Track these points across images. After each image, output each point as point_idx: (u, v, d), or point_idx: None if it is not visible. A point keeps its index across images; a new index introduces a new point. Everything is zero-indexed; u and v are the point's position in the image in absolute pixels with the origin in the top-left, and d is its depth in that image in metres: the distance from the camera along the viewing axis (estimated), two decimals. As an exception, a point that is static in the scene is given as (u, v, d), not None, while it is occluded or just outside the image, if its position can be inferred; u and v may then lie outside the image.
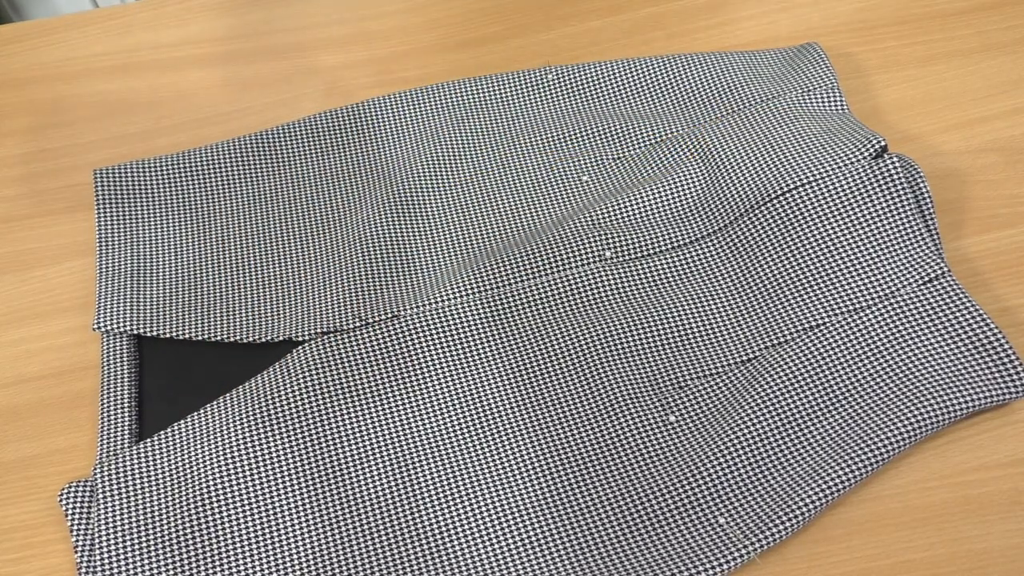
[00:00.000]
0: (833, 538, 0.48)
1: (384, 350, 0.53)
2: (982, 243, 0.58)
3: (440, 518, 0.48)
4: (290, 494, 0.49)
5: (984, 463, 0.49)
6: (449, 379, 0.52)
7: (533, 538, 0.47)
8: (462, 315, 0.54)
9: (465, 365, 0.53)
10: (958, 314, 0.52)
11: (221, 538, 0.47)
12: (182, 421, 0.51)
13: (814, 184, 0.55)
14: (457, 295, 0.55)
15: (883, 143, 0.56)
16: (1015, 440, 0.50)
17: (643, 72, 0.65)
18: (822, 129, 0.58)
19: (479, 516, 0.48)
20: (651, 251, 0.56)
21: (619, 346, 0.53)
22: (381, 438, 0.50)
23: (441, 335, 0.54)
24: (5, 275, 0.60)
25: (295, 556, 0.47)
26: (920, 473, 0.49)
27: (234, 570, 0.47)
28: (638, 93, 0.65)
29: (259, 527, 0.48)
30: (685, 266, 0.56)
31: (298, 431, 0.50)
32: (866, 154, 0.56)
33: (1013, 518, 0.48)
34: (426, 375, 0.52)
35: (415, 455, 0.50)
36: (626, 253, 0.56)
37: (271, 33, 0.72)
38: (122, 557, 0.47)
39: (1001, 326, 0.53)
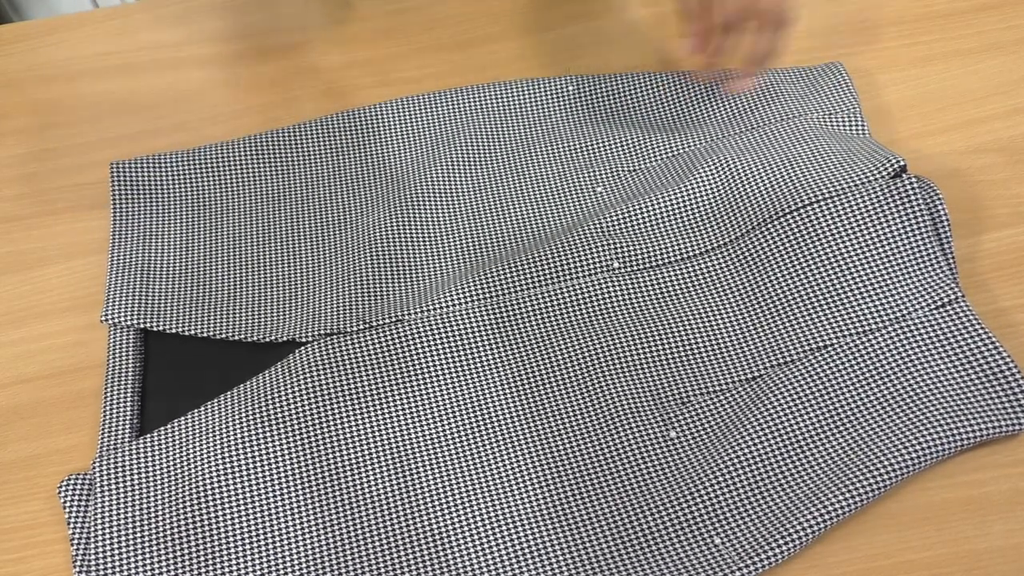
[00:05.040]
0: (833, 538, 0.47)
1: (386, 353, 0.53)
2: (982, 243, 0.58)
3: (437, 524, 0.48)
4: (287, 494, 0.49)
5: (984, 463, 0.49)
6: (450, 384, 0.52)
7: (528, 549, 0.47)
8: (465, 321, 0.54)
9: (466, 371, 0.52)
10: (969, 341, 0.51)
11: (217, 535, 0.47)
12: (182, 418, 0.51)
13: (829, 201, 0.54)
14: (461, 301, 0.55)
15: (902, 163, 0.55)
16: (1015, 440, 0.50)
17: (663, 86, 0.65)
18: (841, 148, 0.57)
19: (477, 523, 0.48)
20: (659, 262, 0.56)
21: (623, 358, 0.52)
22: (381, 441, 0.50)
23: (443, 340, 0.53)
24: (5, 275, 0.60)
25: (292, 555, 0.47)
26: (920, 473, 0.49)
27: (229, 568, 0.47)
28: (657, 107, 0.64)
29: (255, 526, 0.48)
30: (693, 278, 0.56)
31: (297, 431, 0.50)
32: (884, 173, 0.55)
33: (1013, 518, 0.48)
34: (427, 380, 0.52)
35: (414, 459, 0.50)
36: (634, 264, 0.56)
37: (271, 33, 0.72)
38: (117, 551, 0.47)
39: (998, 326, 0.53)
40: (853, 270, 0.53)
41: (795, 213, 0.55)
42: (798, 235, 0.54)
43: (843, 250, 0.53)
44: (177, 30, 0.72)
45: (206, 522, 0.48)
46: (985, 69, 0.66)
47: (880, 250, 0.53)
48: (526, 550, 0.47)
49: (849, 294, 0.53)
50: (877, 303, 0.52)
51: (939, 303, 0.52)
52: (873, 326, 0.52)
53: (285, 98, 0.68)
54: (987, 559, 0.47)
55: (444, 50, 0.70)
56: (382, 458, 0.50)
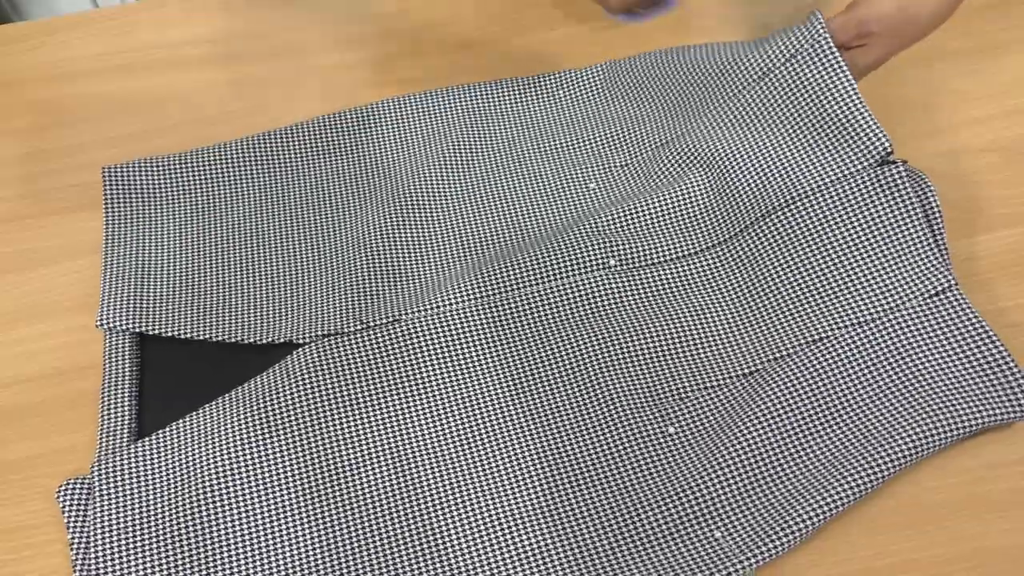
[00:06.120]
0: (833, 538, 0.48)
1: (384, 353, 0.53)
2: (981, 243, 0.58)
3: (436, 523, 0.48)
4: (286, 496, 0.48)
5: (984, 463, 0.49)
6: (449, 384, 0.52)
7: (528, 546, 0.47)
8: (463, 320, 0.54)
9: (465, 370, 0.52)
10: (963, 329, 0.51)
11: (216, 538, 0.47)
12: (180, 420, 0.51)
13: (819, 194, 0.55)
14: (458, 300, 0.55)
15: (888, 148, 0.55)
16: (1015, 440, 0.50)
17: (644, 67, 0.65)
18: (824, 123, 0.57)
19: (477, 522, 0.48)
20: (656, 260, 0.56)
21: (620, 355, 0.52)
22: (379, 441, 0.50)
23: (441, 339, 0.53)
24: (5, 275, 0.60)
25: (291, 557, 0.47)
26: (920, 473, 0.49)
27: (229, 570, 0.47)
28: (639, 91, 0.64)
29: (254, 528, 0.48)
30: (690, 276, 0.56)
31: (296, 433, 0.50)
32: (872, 159, 0.55)
33: (1013, 517, 0.48)
34: (426, 379, 0.52)
35: (413, 458, 0.50)
36: (630, 262, 0.56)
37: (271, 33, 0.72)
38: (117, 555, 0.47)
39: (998, 326, 0.53)
40: (846, 262, 0.53)
41: (787, 209, 0.55)
42: (791, 231, 0.55)
43: (835, 243, 0.54)
44: (177, 30, 0.72)
45: (205, 525, 0.48)
46: (985, 69, 0.66)
47: (871, 240, 0.54)
48: (526, 547, 0.47)
49: (843, 286, 0.53)
50: (871, 294, 0.53)
51: (932, 292, 0.52)
52: (868, 317, 0.52)
53: (285, 98, 0.68)
54: (987, 558, 0.47)
55: (444, 50, 0.70)
56: (381, 458, 0.50)
